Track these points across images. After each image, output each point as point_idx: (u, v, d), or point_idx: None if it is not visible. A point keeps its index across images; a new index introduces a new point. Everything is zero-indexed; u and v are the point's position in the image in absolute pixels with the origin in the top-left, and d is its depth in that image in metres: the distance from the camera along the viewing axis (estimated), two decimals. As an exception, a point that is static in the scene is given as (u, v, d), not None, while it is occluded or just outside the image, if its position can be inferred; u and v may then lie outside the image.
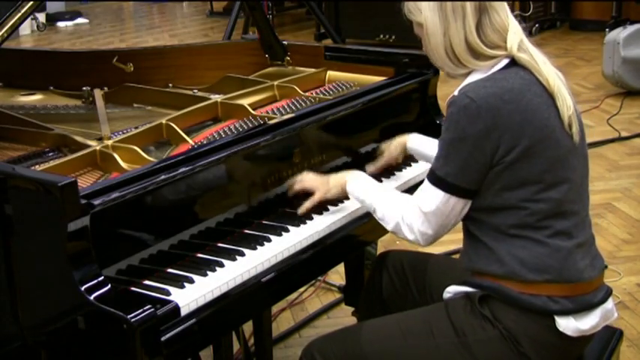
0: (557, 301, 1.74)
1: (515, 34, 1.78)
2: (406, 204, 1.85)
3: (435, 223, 1.79)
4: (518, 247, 1.75)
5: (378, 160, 2.28)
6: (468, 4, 1.75)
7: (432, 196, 1.77)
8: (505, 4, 1.80)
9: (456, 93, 1.77)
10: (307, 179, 2.07)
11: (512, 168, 1.72)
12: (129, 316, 1.49)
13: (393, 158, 2.28)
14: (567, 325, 1.75)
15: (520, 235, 1.75)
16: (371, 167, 2.27)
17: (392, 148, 2.27)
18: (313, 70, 2.71)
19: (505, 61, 1.78)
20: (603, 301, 1.81)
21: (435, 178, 1.77)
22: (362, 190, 1.98)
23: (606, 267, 3.28)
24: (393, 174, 2.31)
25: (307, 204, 2.03)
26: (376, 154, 2.31)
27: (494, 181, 1.74)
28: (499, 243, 1.77)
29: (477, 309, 1.78)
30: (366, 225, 2.06)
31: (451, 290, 1.87)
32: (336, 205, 2.08)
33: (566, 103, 1.77)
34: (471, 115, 1.70)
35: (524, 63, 1.77)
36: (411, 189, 2.23)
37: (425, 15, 1.80)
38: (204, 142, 2.10)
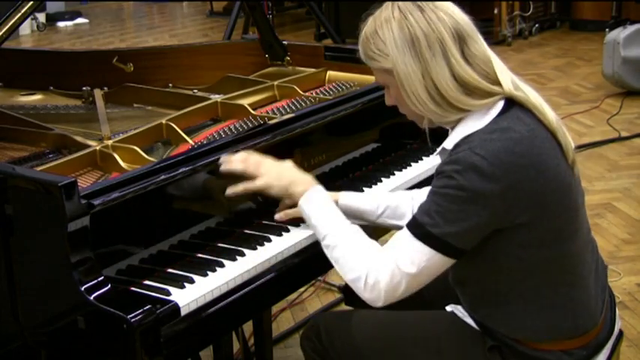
0: (571, 354, 1.66)
1: (504, 72, 1.62)
2: (376, 259, 1.63)
3: (413, 282, 1.60)
4: (531, 314, 1.64)
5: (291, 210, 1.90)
6: (445, 34, 1.56)
7: (417, 254, 1.57)
8: (477, 32, 1.62)
9: (449, 147, 1.61)
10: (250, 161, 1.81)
11: (530, 226, 1.57)
12: (129, 316, 1.49)
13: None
14: None
15: (533, 300, 1.63)
16: (281, 215, 1.91)
17: None
18: (313, 70, 2.70)
19: (501, 104, 1.60)
20: (611, 329, 1.74)
21: (426, 234, 1.56)
22: (321, 215, 1.74)
23: (606, 267, 3.31)
24: (393, 174, 2.30)
25: (240, 187, 1.79)
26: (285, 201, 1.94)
27: (507, 241, 1.58)
28: (510, 307, 1.64)
29: (487, 355, 1.68)
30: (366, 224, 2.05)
31: (456, 311, 1.78)
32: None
33: (568, 140, 1.63)
34: (484, 175, 1.51)
35: (523, 102, 1.60)
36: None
37: (393, 58, 1.58)
38: (204, 142, 2.10)
